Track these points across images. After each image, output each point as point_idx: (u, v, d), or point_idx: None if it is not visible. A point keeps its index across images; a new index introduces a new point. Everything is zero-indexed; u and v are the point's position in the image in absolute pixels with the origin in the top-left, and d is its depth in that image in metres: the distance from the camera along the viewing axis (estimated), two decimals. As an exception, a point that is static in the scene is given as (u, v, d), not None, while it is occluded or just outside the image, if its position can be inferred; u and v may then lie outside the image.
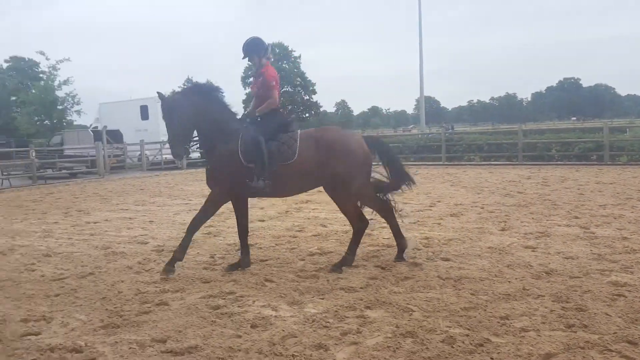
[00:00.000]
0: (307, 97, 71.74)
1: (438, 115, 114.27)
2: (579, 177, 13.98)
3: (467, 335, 3.71)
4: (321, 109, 77.73)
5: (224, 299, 4.77)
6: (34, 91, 40.55)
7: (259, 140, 5.47)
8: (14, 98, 59.69)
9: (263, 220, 8.67)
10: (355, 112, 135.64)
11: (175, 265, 5.69)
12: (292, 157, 5.55)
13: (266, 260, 6.11)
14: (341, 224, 7.96)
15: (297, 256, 6.23)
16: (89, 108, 37.07)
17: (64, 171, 21.57)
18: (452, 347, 3.55)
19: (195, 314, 4.39)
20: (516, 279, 5.01)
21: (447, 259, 5.82)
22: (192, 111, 5.60)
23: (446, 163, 20.13)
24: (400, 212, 6.15)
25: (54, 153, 23.40)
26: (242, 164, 5.54)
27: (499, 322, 3.93)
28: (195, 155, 25.92)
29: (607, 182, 12.49)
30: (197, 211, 5.94)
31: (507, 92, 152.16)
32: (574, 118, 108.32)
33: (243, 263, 5.83)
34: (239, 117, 5.98)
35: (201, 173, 20.17)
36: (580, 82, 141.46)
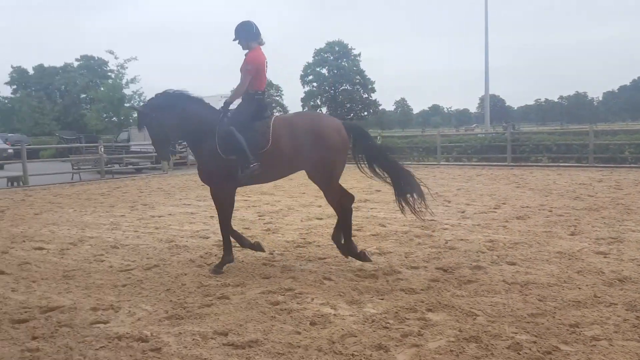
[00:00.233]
0: (366, 95, 71.42)
1: (503, 114, 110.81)
2: (654, 181, 13.21)
3: (535, 342, 3.56)
4: (380, 107, 77.23)
5: (283, 295, 4.79)
6: (102, 89, 42.28)
7: (231, 132, 5.42)
8: (83, 95, 62.78)
9: (321, 219, 8.66)
10: (415, 111, 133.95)
11: (223, 268, 5.70)
12: (265, 145, 5.48)
13: (324, 258, 6.09)
14: (401, 224, 7.85)
15: (357, 255, 6.18)
16: (154, 106, 38.45)
17: (130, 166, 22.36)
18: (519, 353, 3.41)
19: (255, 309, 4.43)
20: (587, 285, 4.77)
21: (513, 263, 5.61)
22: (168, 115, 5.68)
23: (512, 164, 19.46)
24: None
25: (121, 149, 24.31)
26: (222, 158, 5.54)
27: (568, 330, 3.76)
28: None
29: (686, 187, 11.73)
30: (217, 214, 6.01)
31: (576, 91, 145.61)
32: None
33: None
34: (216, 110, 5.89)
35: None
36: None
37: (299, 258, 6.13)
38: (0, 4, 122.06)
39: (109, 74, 55.36)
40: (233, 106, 5.91)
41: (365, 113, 72.72)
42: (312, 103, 72.06)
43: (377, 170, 5.83)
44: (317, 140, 5.44)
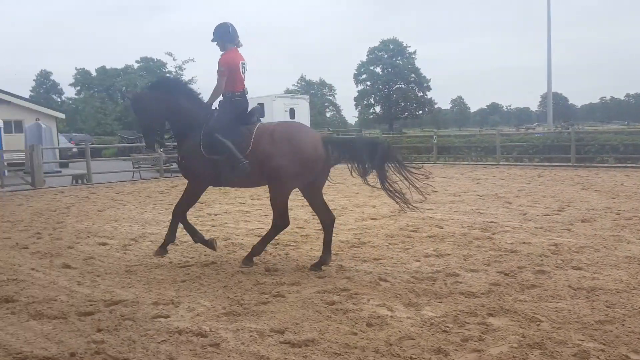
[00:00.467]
0: (421, 94, 70.40)
1: (566, 113, 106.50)
2: None
3: (603, 351, 3.40)
4: (435, 106, 76.01)
5: (339, 295, 4.76)
6: (161, 90, 43.60)
7: (215, 134, 5.53)
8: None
9: (375, 219, 8.59)
10: (473, 109, 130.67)
11: (167, 248, 6.15)
12: (245, 149, 5.53)
13: (380, 259, 6.02)
14: (459, 226, 7.68)
15: (412, 257, 6.08)
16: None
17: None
18: (586, 362, 3.26)
19: (310, 308, 4.42)
20: (659, 293, 4.51)
21: (579, 268, 5.37)
22: (160, 105, 5.81)
23: (575, 164, 18.70)
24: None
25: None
26: (204, 157, 5.63)
27: (639, 339, 3.56)
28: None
29: None
30: (180, 198, 6.15)
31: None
32: None
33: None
34: (205, 107, 5.96)
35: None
36: None
37: (353, 258, 6.09)
38: (66, 10, 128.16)
39: (167, 75, 57.00)
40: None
41: (420, 112, 71.76)
42: (365, 102, 71.74)
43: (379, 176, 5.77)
44: (290, 149, 5.45)
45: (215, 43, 6.00)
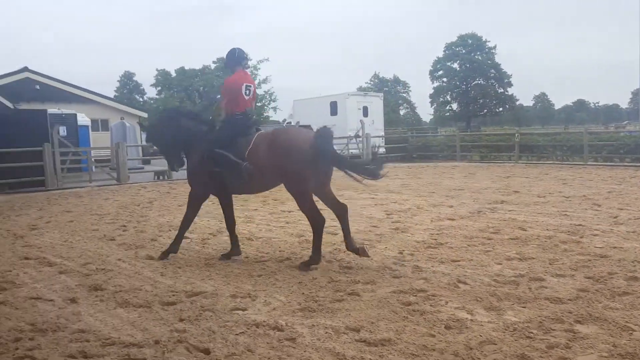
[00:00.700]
0: (501, 90, 67.79)
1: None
2: None
3: None
4: (517, 103, 73.04)
5: (415, 296, 4.67)
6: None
7: (214, 150, 5.97)
8: (219, 96, 66.84)
9: (453, 219, 8.36)
10: (557, 106, 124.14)
11: (169, 256, 6.32)
12: (243, 157, 5.84)
13: (458, 261, 5.85)
14: (543, 228, 7.33)
15: (493, 259, 5.86)
16: (283, 105, 39.76)
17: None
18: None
19: (386, 308, 4.36)
20: None
21: (679, 276, 4.97)
22: (172, 131, 6.47)
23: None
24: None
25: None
26: (206, 170, 6.15)
27: None
28: (381, 150, 26.29)
29: None
30: (186, 210, 6.57)
31: None
32: None
33: (233, 252, 6.35)
34: (205, 125, 6.49)
35: (386, 168, 20.27)
36: None
37: (430, 259, 5.94)
38: (147, 13, 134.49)
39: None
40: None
41: (500, 109, 69.15)
42: (441, 99, 70.14)
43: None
44: (286, 153, 5.66)
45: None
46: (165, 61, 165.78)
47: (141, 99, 78.95)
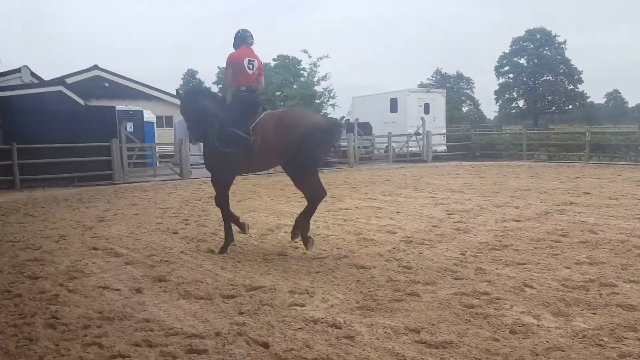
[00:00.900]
0: (571, 87, 64.89)
1: None
2: None
3: None
4: (587, 100, 69.75)
5: (478, 298, 4.52)
6: (295, 86, 44.95)
7: (225, 128, 6.14)
8: (278, 93, 67.71)
9: (519, 221, 8.06)
10: (631, 104, 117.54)
11: (228, 249, 6.46)
12: (250, 127, 6.05)
13: (524, 264, 5.62)
14: (615, 232, 6.96)
15: (562, 263, 5.60)
16: (341, 102, 39.64)
17: (319, 160, 23.40)
18: None
19: (448, 310, 4.25)
20: None
21: None
22: (197, 106, 6.63)
23: None
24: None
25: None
26: (220, 150, 6.25)
27: None
28: (442, 148, 25.82)
29: None
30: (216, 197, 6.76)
31: None
32: None
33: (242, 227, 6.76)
34: (220, 106, 6.60)
35: (447, 167, 20.02)
36: None
37: (494, 261, 5.75)
38: (210, 12, 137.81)
39: (302, 72, 58.75)
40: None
41: (570, 106, 66.20)
42: (507, 95, 67.99)
43: None
44: (291, 133, 5.82)
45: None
46: (225, 58, 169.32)
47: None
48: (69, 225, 8.68)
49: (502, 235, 7.01)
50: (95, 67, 26.75)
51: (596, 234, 6.94)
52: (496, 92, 69.38)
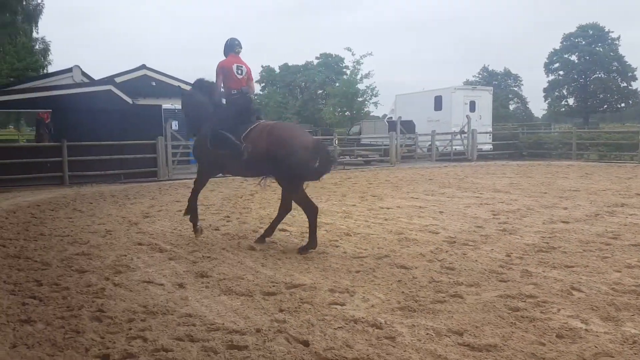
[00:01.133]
0: (625, 84, 62.30)
1: None
2: None
3: None
4: (641, 98, 66.83)
5: (524, 301, 4.40)
6: (338, 85, 44.84)
7: (217, 131, 6.51)
8: (320, 91, 67.85)
9: (567, 222, 7.80)
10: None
11: (197, 229, 7.07)
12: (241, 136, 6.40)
13: (572, 266, 5.44)
14: (670, 235, 6.65)
15: (612, 266, 5.39)
16: (384, 100, 39.33)
17: (359, 158, 23.37)
18: None
19: (492, 312, 4.15)
20: None
21: None
22: (195, 102, 7.14)
23: None
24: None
25: (353, 141, 25.56)
26: (208, 148, 6.68)
27: None
28: (487, 147, 25.30)
29: None
30: (194, 184, 7.25)
31: None
32: None
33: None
34: (216, 105, 7.00)
35: (493, 166, 19.60)
36: None
37: (541, 264, 5.58)
38: (252, 10, 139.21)
39: (344, 70, 58.61)
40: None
41: (623, 104, 63.46)
42: (556, 93, 66.00)
43: None
44: (282, 149, 6.09)
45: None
46: (269, 57, 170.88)
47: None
48: (115, 220, 8.92)
49: (549, 237, 6.80)
50: (143, 66, 27.37)
51: (650, 237, 6.64)
52: (545, 90, 67.38)
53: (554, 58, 65.45)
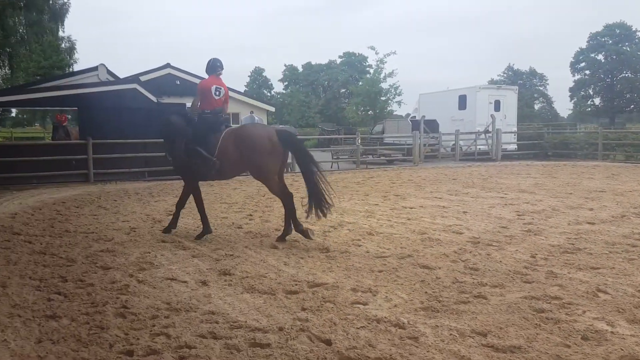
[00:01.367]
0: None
1: None
2: None
3: None
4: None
5: (549, 303, 4.35)
6: (361, 83, 44.70)
7: (190, 145, 7.13)
8: (343, 90, 67.80)
9: (593, 223, 7.67)
10: None
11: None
12: (213, 153, 6.98)
13: (598, 268, 5.35)
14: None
15: (638, 268, 5.30)
16: (408, 99, 39.09)
17: (382, 157, 23.29)
18: None
19: (516, 314, 4.11)
20: None
21: None
22: (170, 125, 7.54)
23: None
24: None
25: (375, 141, 25.47)
26: (187, 161, 7.23)
27: None
28: (512, 147, 24.99)
29: None
30: (194, 200, 7.56)
31: None
32: None
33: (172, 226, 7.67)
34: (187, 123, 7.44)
35: (518, 166, 19.34)
36: None
37: (566, 265, 5.50)
38: (276, 10, 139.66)
39: (367, 69, 58.45)
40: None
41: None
42: (582, 93, 64.89)
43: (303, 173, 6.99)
44: (250, 146, 6.83)
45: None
46: (292, 57, 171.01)
47: (269, 94, 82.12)
48: (139, 218, 9.03)
49: (575, 238, 6.70)
50: (168, 65, 27.67)
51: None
52: (571, 89, 66.36)
53: (580, 57, 64.43)
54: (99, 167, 15.44)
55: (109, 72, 23.36)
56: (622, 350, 3.43)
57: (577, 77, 65.38)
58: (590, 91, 64.71)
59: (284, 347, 3.56)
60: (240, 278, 5.19)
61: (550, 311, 4.15)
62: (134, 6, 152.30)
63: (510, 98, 25.92)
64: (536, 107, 75.07)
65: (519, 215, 8.58)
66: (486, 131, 23.36)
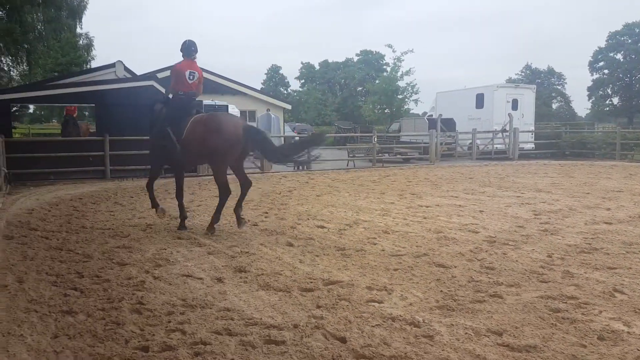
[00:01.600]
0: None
1: None
2: None
3: None
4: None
5: (565, 302, 4.32)
6: (378, 82, 44.54)
7: (161, 124, 7.47)
8: (360, 88, 67.67)
9: (610, 223, 7.59)
10: None
11: (185, 225, 7.79)
12: (180, 136, 7.24)
13: (615, 268, 5.30)
14: None
15: (657, 269, 5.23)
16: (425, 97, 38.84)
17: (398, 156, 23.21)
18: None
19: (532, 313, 4.10)
20: None
21: None
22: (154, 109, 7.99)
23: None
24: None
25: (392, 139, 25.40)
26: (156, 143, 7.62)
27: None
28: (529, 146, 24.76)
29: None
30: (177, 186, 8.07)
31: None
32: None
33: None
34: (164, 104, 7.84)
35: (535, 166, 19.18)
36: None
37: (582, 265, 5.45)
38: (292, 8, 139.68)
39: (384, 67, 58.25)
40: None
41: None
42: (600, 92, 64.05)
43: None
44: (214, 128, 7.05)
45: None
46: (309, 55, 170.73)
47: (285, 91, 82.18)
48: (155, 214, 9.10)
49: (592, 238, 6.64)
50: (185, 62, 27.84)
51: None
52: (589, 89, 65.56)
53: (599, 56, 63.68)
54: (116, 164, 15.57)
55: (126, 69, 23.53)
56: (639, 350, 3.41)
57: (596, 76, 64.62)
58: (609, 90, 63.91)
59: (299, 344, 3.58)
60: (255, 275, 5.22)
61: (567, 311, 4.13)
62: (151, 3, 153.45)
63: (527, 97, 25.67)
64: (554, 106, 74.24)
65: (535, 214, 8.51)
66: (503, 130, 23.17)
